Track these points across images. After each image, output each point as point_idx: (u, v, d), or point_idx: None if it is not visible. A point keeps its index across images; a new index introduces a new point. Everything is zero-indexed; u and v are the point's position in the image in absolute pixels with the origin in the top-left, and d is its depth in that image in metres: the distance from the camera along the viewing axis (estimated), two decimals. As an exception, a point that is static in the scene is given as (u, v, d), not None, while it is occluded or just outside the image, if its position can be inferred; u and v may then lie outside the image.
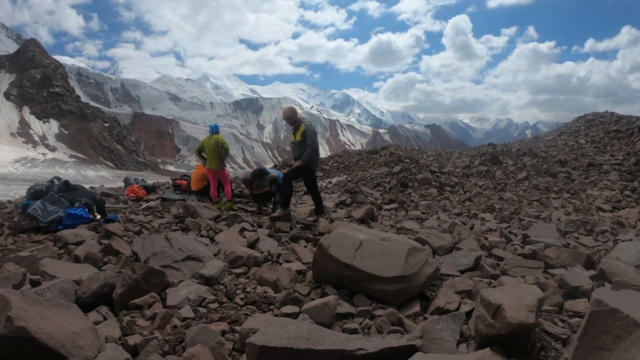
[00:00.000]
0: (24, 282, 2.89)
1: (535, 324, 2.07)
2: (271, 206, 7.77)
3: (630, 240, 4.95)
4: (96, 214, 5.50)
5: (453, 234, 5.33)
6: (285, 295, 2.75)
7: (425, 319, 2.60)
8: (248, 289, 2.94)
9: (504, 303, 2.05)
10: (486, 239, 5.16)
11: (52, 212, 4.88)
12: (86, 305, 2.62)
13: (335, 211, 7.61)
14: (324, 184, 12.94)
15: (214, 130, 7.78)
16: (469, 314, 2.51)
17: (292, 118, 6.25)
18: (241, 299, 2.78)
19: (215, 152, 7.37)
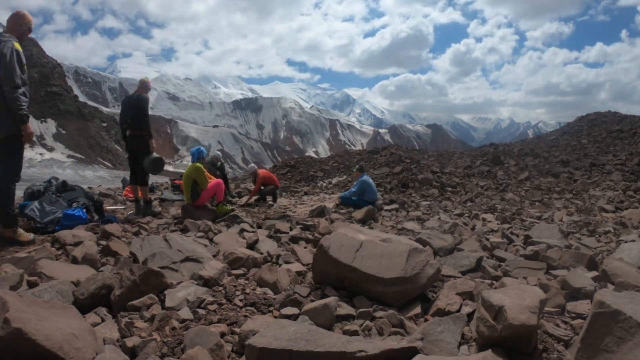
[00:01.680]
0: (21, 283, 2.87)
1: (537, 326, 2.05)
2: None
3: (633, 241, 4.93)
4: (94, 214, 5.48)
5: (454, 235, 5.31)
6: (285, 296, 2.73)
7: (426, 320, 2.59)
8: (247, 291, 2.92)
9: (505, 304, 2.03)
10: (488, 239, 5.14)
11: (49, 212, 4.85)
12: (84, 306, 2.59)
13: (335, 212, 7.59)
14: (324, 184, 12.92)
15: None
16: (470, 315, 2.49)
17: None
18: (240, 300, 2.76)
19: None
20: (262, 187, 9.00)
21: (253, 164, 10.12)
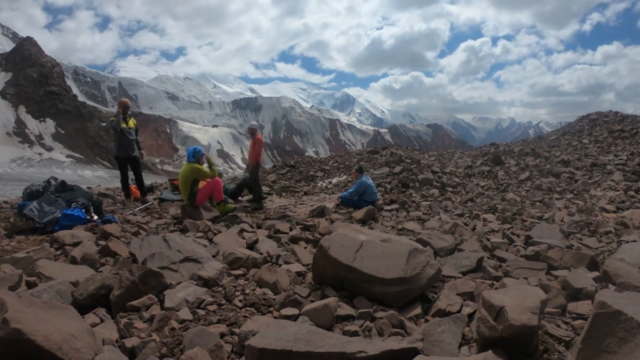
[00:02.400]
0: (20, 283, 2.86)
1: (538, 326, 2.04)
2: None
3: (635, 241, 4.89)
4: (93, 214, 5.46)
5: (455, 235, 5.30)
6: (285, 297, 2.72)
7: (426, 321, 2.58)
8: (247, 291, 2.91)
9: (506, 305, 2.03)
10: (488, 240, 5.12)
11: (48, 212, 4.84)
12: (83, 307, 2.59)
13: (335, 212, 7.58)
14: (324, 184, 12.90)
15: None
16: (471, 316, 2.49)
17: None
18: (240, 300, 2.76)
19: None
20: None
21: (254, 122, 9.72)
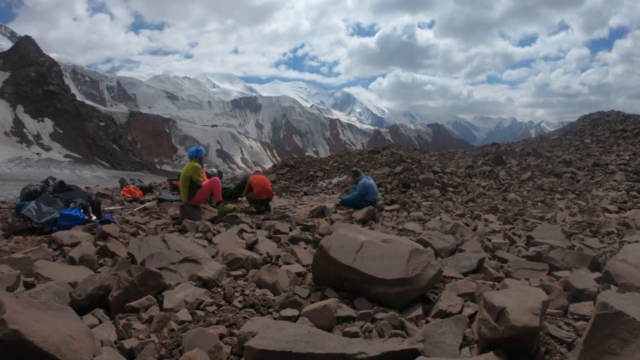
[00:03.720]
0: (18, 284, 2.85)
1: (540, 328, 2.03)
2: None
3: (637, 241, 4.86)
4: (91, 214, 5.44)
5: (456, 236, 5.28)
6: (285, 298, 2.71)
7: (427, 322, 2.56)
8: (246, 292, 2.90)
9: (507, 306, 2.01)
10: (490, 240, 5.11)
11: (46, 213, 4.82)
12: (81, 308, 2.57)
13: (335, 212, 7.56)
14: (324, 184, 12.90)
15: None
16: (472, 317, 2.48)
17: None
18: (239, 301, 2.74)
19: None
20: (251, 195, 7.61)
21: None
